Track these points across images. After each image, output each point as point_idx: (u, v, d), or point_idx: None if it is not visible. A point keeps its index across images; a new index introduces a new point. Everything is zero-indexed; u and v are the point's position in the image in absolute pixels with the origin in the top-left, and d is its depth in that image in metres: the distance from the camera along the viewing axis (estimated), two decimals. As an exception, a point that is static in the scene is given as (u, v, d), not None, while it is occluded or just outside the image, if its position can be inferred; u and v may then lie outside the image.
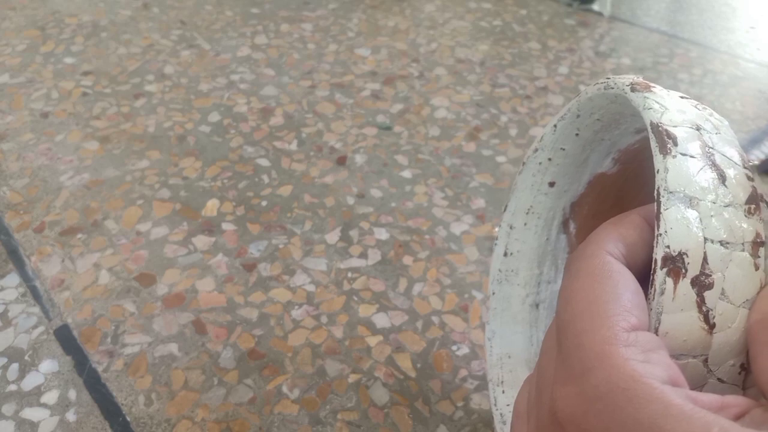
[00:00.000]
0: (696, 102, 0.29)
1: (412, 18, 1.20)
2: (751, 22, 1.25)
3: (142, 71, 1.00)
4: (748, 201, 0.24)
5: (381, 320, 0.63)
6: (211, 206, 0.75)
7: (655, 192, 0.24)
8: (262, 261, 0.69)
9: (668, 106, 0.26)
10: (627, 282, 0.23)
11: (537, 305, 0.45)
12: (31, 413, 0.54)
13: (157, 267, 0.67)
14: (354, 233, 0.73)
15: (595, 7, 1.25)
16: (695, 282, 0.22)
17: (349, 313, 0.63)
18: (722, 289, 0.23)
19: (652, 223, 0.25)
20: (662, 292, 0.22)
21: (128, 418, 0.54)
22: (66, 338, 0.60)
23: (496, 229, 0.45)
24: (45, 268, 0.67)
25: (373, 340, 0.61)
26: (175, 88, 0.96)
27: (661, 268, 0.22)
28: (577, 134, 0.37)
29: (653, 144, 0.25)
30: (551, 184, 0.42)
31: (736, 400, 0.20)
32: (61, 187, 0.77)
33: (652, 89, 0.27)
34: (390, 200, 0.77)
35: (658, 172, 0.24)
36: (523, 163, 0.41)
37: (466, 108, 0.95)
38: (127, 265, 0.68)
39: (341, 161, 0.83)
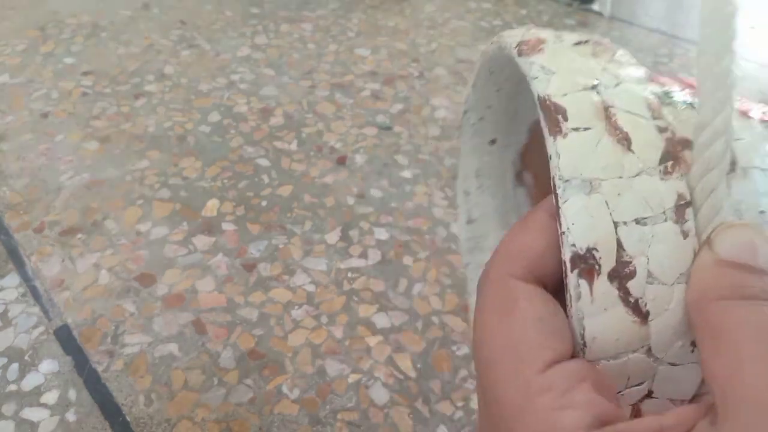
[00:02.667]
0: (594, 44, 0.25)
1: (412, 18, 1.20)
2: (751, 22, 1.25)
3: (142, 71, 1.00)
4: (663, 159, 0.22)
5: (381, 320, 0.63)
6: (211, 206, 0.75)
7: (551, 183, 0.21)
8: (262, 261, 0.69)
9: (556, 69, 0.23)
10: (535, 308, 0.21)
11: None
12: (31, 413, 0.54)
13: (157, 267, 0.67)
14: (354, 233, 0.73)
15: (595, 7, 1.25)
16: (613, 275, 0.21)
17: (349, 314, 0.63)
18: (648, 272, 0.21)
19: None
20: (578, 297, 0.21)
21: (128, 418, 0.54)
22: (66, 338, 0.60)
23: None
24: (45, 268, 0.67)
25: (373, 341, 0.61)
26: (175, 88, 0.96)
27: (572, 271, 0.21)
28: (497, 90, 0.35)
29: (543, 124, 0.23)
30: (492, 142, 0.41)
31: (677, 419, 0.19)
32: (61, 187, 0.77)
33: (540, 49, 0.24)
34: (390, 200, 0.77)
35: (550, 158, 0.21)
36: (460, 127, 0.41)
37: (466, 108, 0.95)
38: (127, 265, 0.68)
39: (341, 161, 0.83)
